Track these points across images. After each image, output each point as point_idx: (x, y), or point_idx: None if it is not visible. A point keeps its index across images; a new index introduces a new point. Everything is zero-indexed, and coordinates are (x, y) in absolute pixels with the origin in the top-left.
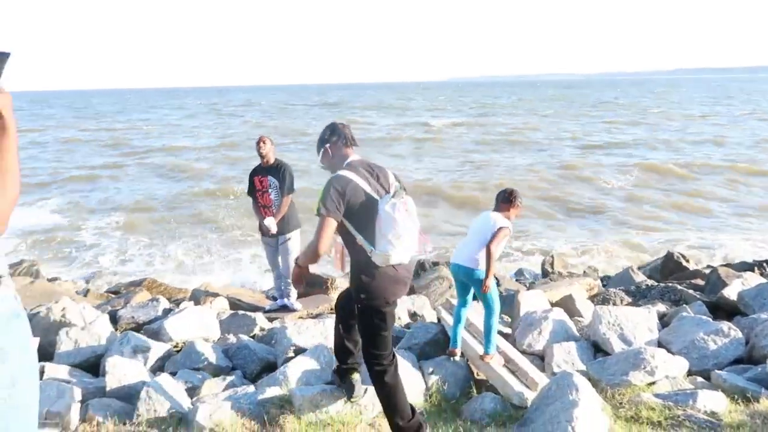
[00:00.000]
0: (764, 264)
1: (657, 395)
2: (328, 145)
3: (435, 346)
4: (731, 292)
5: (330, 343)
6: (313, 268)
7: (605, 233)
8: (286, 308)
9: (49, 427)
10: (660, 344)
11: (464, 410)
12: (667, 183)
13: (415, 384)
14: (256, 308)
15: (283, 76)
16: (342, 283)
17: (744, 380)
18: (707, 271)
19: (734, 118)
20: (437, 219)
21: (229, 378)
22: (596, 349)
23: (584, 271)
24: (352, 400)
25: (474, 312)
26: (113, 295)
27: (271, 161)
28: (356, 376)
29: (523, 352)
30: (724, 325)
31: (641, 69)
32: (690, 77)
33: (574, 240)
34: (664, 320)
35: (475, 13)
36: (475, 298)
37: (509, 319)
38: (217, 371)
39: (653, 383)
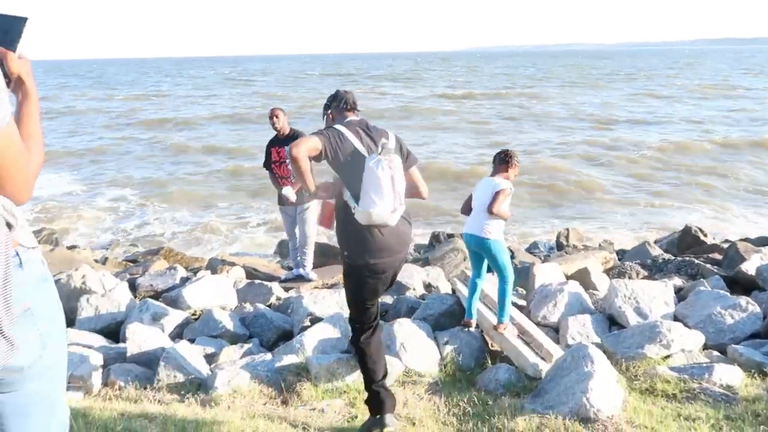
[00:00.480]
0: None
1: (672, 368)
2: (329, 111)
3: (450, 317)
4: (750, 267)
5: (346, 311)
6: (328, 239)
7: (620, 209)
8: (301, 278)
9: (73, 390)
10: (676, 318)
11: (479, 380)
12: (701, 159)
13: (430, 354)
14: (272, 278)
15: (299, 45)
16: None
17: (761, 354)
18: (725, 245)
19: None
20: (449, 193)
21: (247, 345)
22: (611, 322)
23: (600, 245)
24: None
25: (488, 283)
26: (131, 264)
27: (287, 132)
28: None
29: (538, 324)
30: (742, 299)
31: (662, 39)
32: (713, 48)
33: (590, 216)
34: (680, 294)
35: None
36: (489, 269)
37: (524, 292)
38: (234, 339)
39: (669, 356)
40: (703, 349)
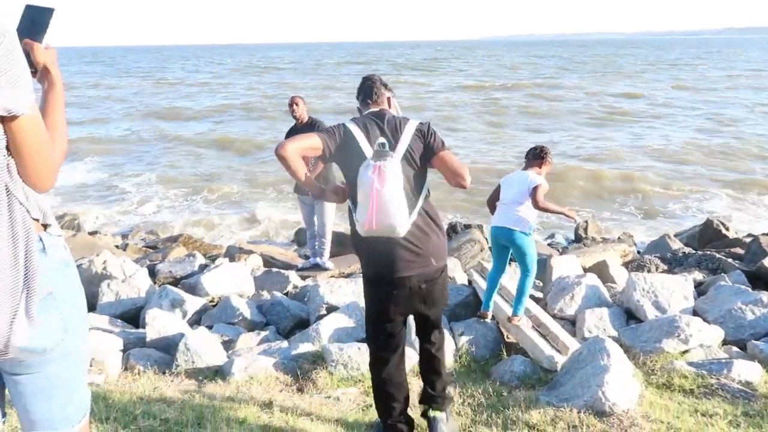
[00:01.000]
0: None
1: (690, 363)
2: (358, 106)
3: (466, 308)
4: None
5: (362, 301)
6: (345, 229)
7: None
8: (318, 267)
9: (94, 374)
10: (695, 313)
11: (494, 372)
12: None
13: (445, 344)
14: (289, 266)
15: (318, 34)
16: None
17: None
18: (748, 239)
19: None
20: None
21: (264, 333)
22: (629, 315)
23: (619, 237)
24: None
25: (505, 276)
26: (151, 250)
27: (306, 120)
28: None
29: (554, 317)
30: (764, 294)
31: (689, 28)
32: (744, 37)
33: (612, 206)
34: (700, 289)
35: None
36: (513, 260)
37: (541, 284)
38: (251, 326)
39: (687, 351)
40: (723, 345)
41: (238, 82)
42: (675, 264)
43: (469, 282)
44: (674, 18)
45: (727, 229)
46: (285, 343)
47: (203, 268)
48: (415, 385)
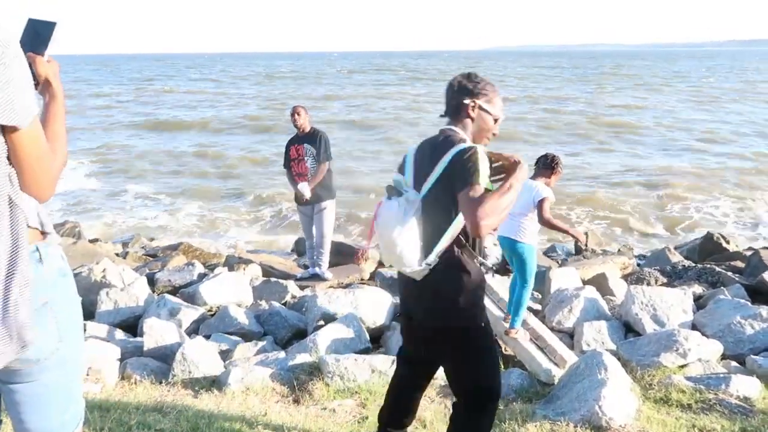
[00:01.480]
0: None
1: (688, 378)
2: None
3: None
4: None
5: (360, 312)
6: (345, 239)
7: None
8: (317, 277)
9: (90, 383)
10: (694, 327)
11: None
12: None
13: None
14: (287, 276)
15: (322, 43)
16: (374, 255)
17: None
18: (748, 253)
19: None
20: None
21: (261, 343)
22: (627, 329)
23: (618, 249)
24: None
25: (503, 287)
26: (150, 258)
27: (307, 129)
28: None
29: (552, 330)
30: (763, 309)
31: (692, 40)
32: (748, 49)
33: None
34: (699, 302)
35: None
36: (509, 270)
37: (539, 296)
38: (249, 336)
39: (685, 366)
40: (721, 359)
41: (240, 91)
42: (675, 277)
43: None
44: (676, 30)
45: (728, 242)
46: (282, 354)
47: (202, 277)
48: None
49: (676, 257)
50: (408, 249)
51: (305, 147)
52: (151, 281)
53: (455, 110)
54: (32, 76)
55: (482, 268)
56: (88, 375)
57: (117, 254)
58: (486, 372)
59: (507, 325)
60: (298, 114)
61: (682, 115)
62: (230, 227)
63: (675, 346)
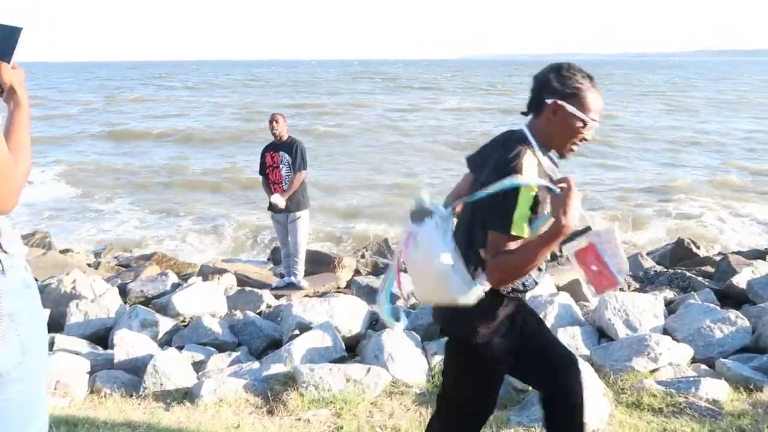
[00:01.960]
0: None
1: (659, 382)
2: None
3: None
4: (741, 280)
5: (335, 320)
6: (320, 247)
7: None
8: (292, 286)
9: (57, 397)
10: (666, 331)
11: None
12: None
13: (418, 364)
14: (263, 285)
15: (295, 51)
16: (349, 262)
17: (749, 369)
18: (718, 258)
19: None
20: None
21: (235, 354)
22: (601, 334)
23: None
24: None
25: None
26: (123, 269)
27: (285, 138)
28: None
29: None
30: (731, 313)
31: (664, 50)
32: (719, 59)
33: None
34: (670, 307)
35: None
36: None
37: None
38: (223, 346)
39: (656, 370)
40: (692, 363)
41: (214, 99)
42: (647, 282)
43: None
44: (648, 40)
45: (698, 247)
46: (256, 364)
47: (176, 287)
48: (387, 406)
49: (648, 263)
50: (461, 273)
51: (281, 155)
52: (123, 292)
53: (536, 108)
54: None
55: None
56: (55, 389)
57: (89, 265)
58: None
59: None
60: (276, 122)
61: (658, 122)
62: (203, 237)
63: (646, 351)
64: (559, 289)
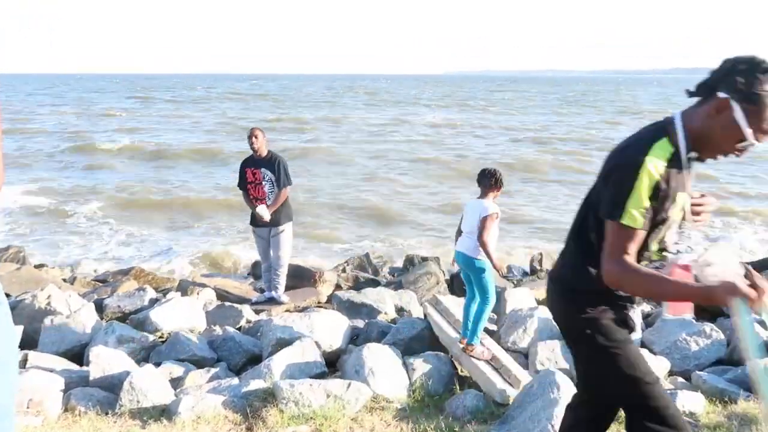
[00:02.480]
0: (749, 266)
1: None
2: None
3: (420, 341)
4: None
5: (316, 335)
6: (301, 261)
7: None
8: (273, 301)
9: (30, 416)
10: (643, 344)
11: (447, 406)
12: None
13: (399, 379)
14: (243, 300)
15: (279, 66)
16: (330, 277)
17: (724, 381)
18: None
19: None
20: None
21: (214, 370)
22: None
23: None
24: None
25: (457, 307)
26: (100, 284)
27: (264, 154)
28: None
29: (508, 350)
30: (707, 326)
31: (640, 67)
32: (691, 77)
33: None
34: (648, 320)
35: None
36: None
37: (495, 316)
38: (201, 363)
39: None
40: (669, 376)
41: (190, 113)
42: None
43: (425, 315)
44: (624, 58)
45: None
46: (235, 380)
47: (154, 302)
48: (367, 422)
49: None
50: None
51: (262, 171)
52: (100, 308)
53: (704, 94)
54: None
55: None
56: (28, 408)
57: (64, 280)
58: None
59: (462, 346)
60: (256, 137)
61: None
62: (181, 252)
63: None
64: (539, 302)
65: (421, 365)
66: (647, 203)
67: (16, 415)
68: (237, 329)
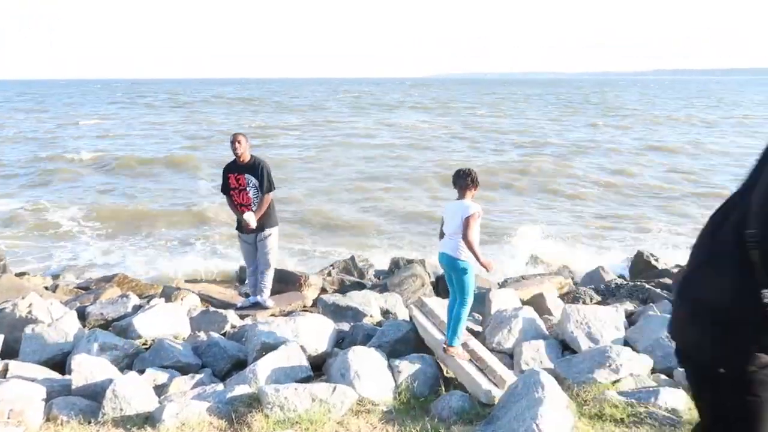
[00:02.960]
0: None
1: (621, 393)
2: None
3: (406, 343)
4: None
5: (301, 339)
6: (286, 263)
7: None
8: (258, 305)
9: (12, 426)
10: (626, 342)
11: (432, 408)
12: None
13: (384, 382)
14: (227, 305)
15: (266, 70)
16: (316, 280)
17: None
18: (675, 270)
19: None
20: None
21: (198, 376)
22: (564, 347)
23: (557, 270)
24: None
25: (441, 308)
26: (83, 291)
27: (247, 159)
28: None
29: (493, 350)
30: None
31: (624, 69)
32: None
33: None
34: (631, 319)
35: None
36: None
37: (480, 317)
38: (186, 369)
39: (618, 381)
40: (652, 373)
41: (164, 118)
42: (608, 295)
43: (410, 318)
44: (609, 60)
45: (657, 260)
46: (220, 386)
47: (137, 309)
48: (353, 425)
49: (609, 276)
50: None
51: (246, 177)
52: (82, 315)
53: None
54: None
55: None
56: (8, 418)
57: (46, 288)
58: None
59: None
60: (239, 142)
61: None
62: (165, 258)
63: (608, 363)
64: (523, 303)
65: (406, 367)
66: None
67: None
68: (222, 335)
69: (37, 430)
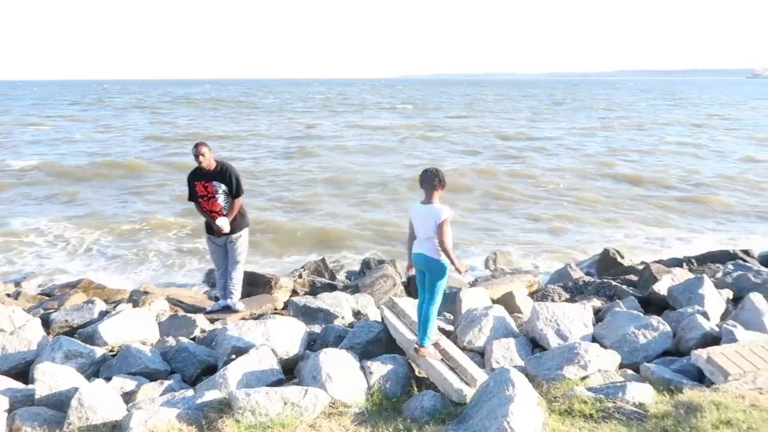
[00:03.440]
0: (692, 260)
1: (589, 389)
2: None
3: (377, 345)
4: (661, 287)
5: (272, 342)
6: (255, 267)
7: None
8: (228, 309)
9: None
10: (594, 339)
11: (405, 409)
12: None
13: (356, 383)
14: (197, 309)
15: (231, 71)
16: (286, 283)
17: (670, 372)
18: (641, 266)
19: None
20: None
21: (167, 382)
22: (534, 344)
23: (527, 270)
24: None
25: (412, 307)
26: (46, 297)
27: (213, 166)
28: None
29: (464, 349)
30: (653, 319)
31: (586, 70)
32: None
33: (519, 238)
34: (599, 315)
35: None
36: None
37: (451, 316)
38: (154, 375)
39: (586, 377)
40: (619, 368)
41: (126, 122)
42: (576, 292)
43: (382, 318)
44: (572, 61)
45: (622, 257)
46: (190, 392)
47: (103, 315)
48: (325, 428)
49: (577, 273)
50: None
51: (215, 184)
52: (46, 322)
53: None
54: None
55: None
56: None
57: (8, 295)
58: None
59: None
60: (203, 155)
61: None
62: (133, 262)
63: (576, 359)
64: (494, 302)
65: (378, 368)
66: None
67: None
68: (191, 339)
69: None
